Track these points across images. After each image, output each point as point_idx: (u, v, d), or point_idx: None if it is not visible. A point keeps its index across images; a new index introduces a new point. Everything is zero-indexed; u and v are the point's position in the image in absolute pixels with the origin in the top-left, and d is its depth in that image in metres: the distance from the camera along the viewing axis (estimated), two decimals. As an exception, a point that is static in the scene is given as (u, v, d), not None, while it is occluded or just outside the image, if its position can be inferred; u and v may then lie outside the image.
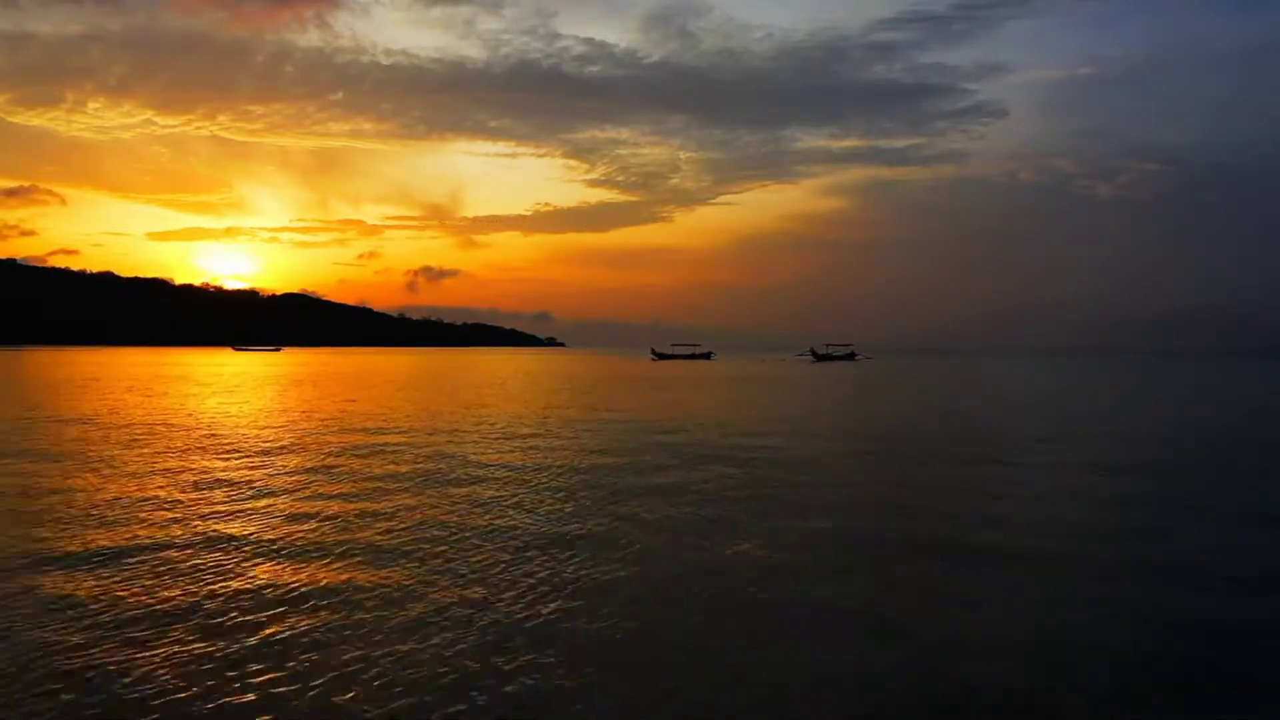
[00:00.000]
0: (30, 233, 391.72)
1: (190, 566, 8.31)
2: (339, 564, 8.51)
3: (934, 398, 39.72)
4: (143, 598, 7.28)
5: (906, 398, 39.86)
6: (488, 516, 10.94)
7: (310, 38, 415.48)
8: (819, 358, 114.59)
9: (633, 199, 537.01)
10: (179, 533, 9.76)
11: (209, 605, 7.10)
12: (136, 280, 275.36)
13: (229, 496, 12.12)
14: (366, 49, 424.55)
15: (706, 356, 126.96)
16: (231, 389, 39.32)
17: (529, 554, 8.99)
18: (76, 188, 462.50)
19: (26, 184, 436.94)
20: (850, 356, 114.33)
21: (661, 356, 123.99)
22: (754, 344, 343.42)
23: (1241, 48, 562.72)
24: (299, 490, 12.72)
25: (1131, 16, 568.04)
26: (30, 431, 20.14)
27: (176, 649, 6.10)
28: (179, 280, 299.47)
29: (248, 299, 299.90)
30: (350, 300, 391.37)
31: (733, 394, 41.26)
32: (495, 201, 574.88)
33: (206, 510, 11.08)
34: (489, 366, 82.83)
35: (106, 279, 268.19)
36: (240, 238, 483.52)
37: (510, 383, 49.30)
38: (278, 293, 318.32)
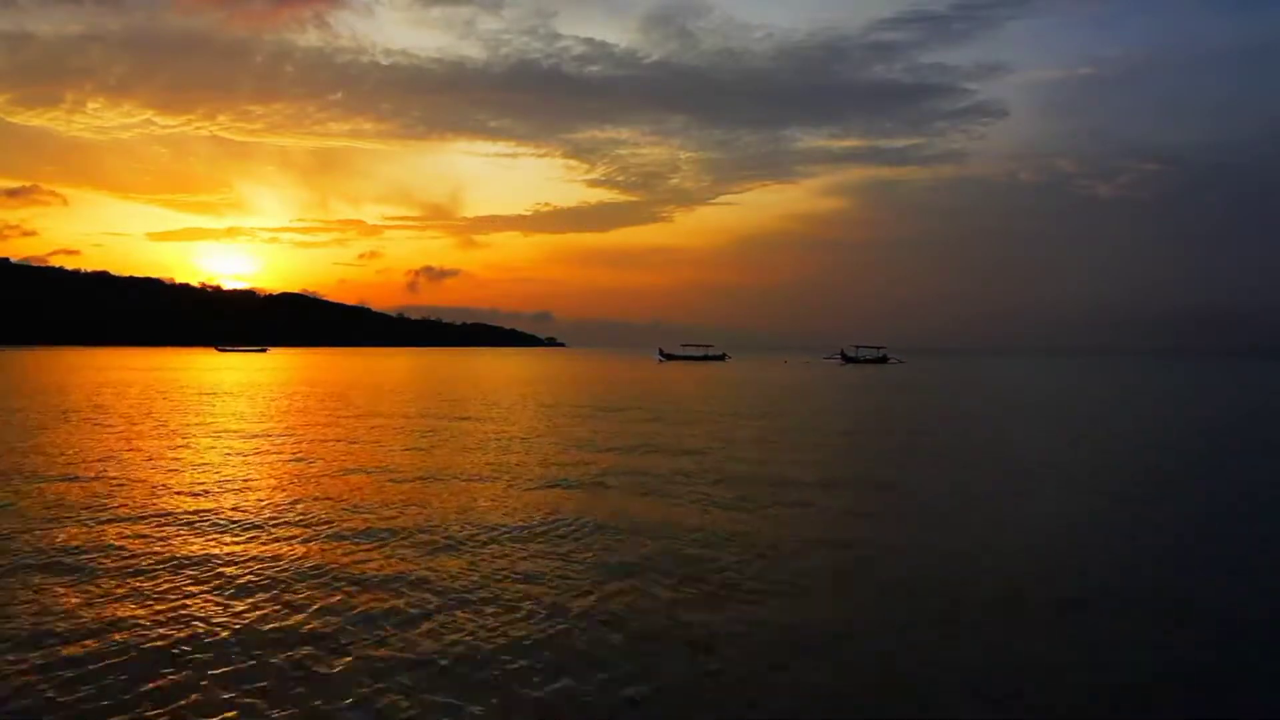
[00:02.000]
0: (31, 233, 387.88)
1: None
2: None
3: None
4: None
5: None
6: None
7: (310, 38, 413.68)
8: (848, 360, 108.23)
9: (633, 199, 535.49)
10: None
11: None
12: (135, 280, 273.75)
13: None
14: (366, 49, 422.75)
15: (720, 358, 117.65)
16: (100, 407, 36.40)
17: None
18: (77, 188, 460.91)
19: (27, 184, 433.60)
20: (882, 360, 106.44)
21: (669, 357, 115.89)
22: (755, 344, 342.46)
23: (1241, 48, 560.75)
24: None
25: (1131, 16, 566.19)
26: None
27: None
28: (179, 280, 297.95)
29: (246, 299, 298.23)
30: (351, 300, 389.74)
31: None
32: (495, 201, 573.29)
33: None
34: (475, 370, 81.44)
35: (104, 279, 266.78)
36: (240, 238, 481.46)
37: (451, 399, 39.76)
38: (276, 292, 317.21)
